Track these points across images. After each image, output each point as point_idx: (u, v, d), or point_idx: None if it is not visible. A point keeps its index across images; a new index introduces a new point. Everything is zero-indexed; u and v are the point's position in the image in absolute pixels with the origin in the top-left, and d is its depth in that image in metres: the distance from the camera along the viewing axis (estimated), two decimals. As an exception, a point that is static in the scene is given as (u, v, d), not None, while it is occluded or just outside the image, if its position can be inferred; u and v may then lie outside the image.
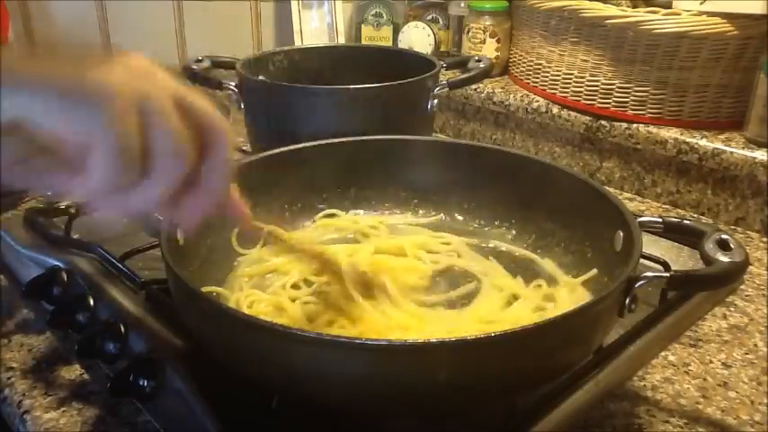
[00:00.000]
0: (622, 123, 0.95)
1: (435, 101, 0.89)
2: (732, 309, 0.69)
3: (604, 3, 0.95)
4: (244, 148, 1.00)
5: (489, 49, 1.16)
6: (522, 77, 1.11)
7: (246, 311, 0.57)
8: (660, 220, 0.57)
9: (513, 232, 0.71)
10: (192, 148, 0.38)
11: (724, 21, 0.86)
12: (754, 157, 0.84)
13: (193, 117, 0.38)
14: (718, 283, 0.52)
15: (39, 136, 0.35)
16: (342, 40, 1.31)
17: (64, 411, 0.54)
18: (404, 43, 1.26)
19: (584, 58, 0.97)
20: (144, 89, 0.36)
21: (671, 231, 0.57)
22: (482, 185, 0.72)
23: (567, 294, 0.60)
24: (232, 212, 0.47)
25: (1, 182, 0.37)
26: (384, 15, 1.30)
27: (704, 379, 0.59)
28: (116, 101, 0.35)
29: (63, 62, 0.36)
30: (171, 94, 0.38)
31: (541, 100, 1.05)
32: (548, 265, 0.66)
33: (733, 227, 0.88)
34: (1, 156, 0.36)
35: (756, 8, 0.84)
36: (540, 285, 0.62)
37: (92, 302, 0.61)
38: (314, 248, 0.61)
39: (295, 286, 0.62)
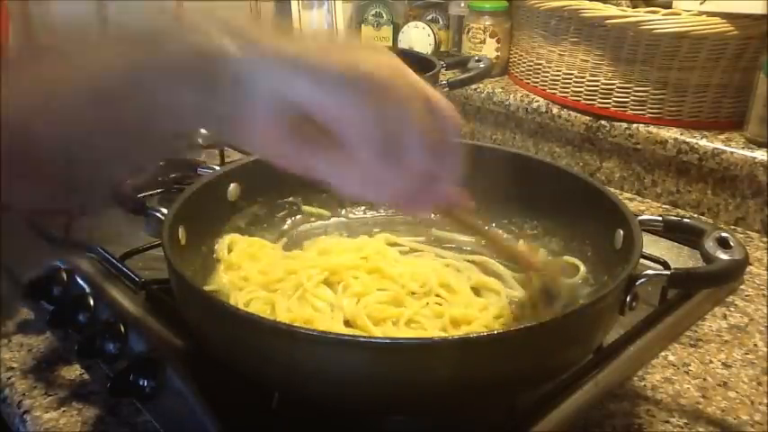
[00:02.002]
0: (622, 123, 0.95)
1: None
2: (732, 309, 0.69)
3: (604, 3, 0.95)
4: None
5: (489, 49, 1.16)
6: (522, 77, 1.11)
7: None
8: (660, 218, 0.57)
9: (513, 231, 0.71)
10: (435, 144, 0.40)
11: (724, 21, 0.86)
12: (754, 157, 0.84)
13: (438, 116, 0.40)
14: (719, 280, 0.53)
15: (318, 118, 0.37)
16: (342, 40, 1.31)
17: (64, 411, 0.54)
18: (404, 43, 1.26)
19: (584, 58, 0.97)
20: (400, 85, 0.38)
21: (671, 230, 0.57)
22: (482, 185, 0.71)
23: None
24: (457, 202, 0.49)
25: (272, 160, 0.40)
26: (384, 15, 1.30)
27: (704, 379, 0.59)
28: (383, 91, 0.37)
29: (333, 51, 0.38)
30: (418, 89, 0.40)
31: (541, 100, 1.05)
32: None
33: (733, 227, 0.88)
34: (279, 135, 0.38)
35: (756, 8, 0.84)
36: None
37: (92, 302, 0.61)
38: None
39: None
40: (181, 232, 0.56)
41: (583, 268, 0.63)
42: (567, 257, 0.65)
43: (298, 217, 0.73)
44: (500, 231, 0.69)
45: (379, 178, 0.39)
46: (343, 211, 0.75)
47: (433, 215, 0.73)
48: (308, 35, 0.40)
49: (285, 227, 0.72)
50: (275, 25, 0.39)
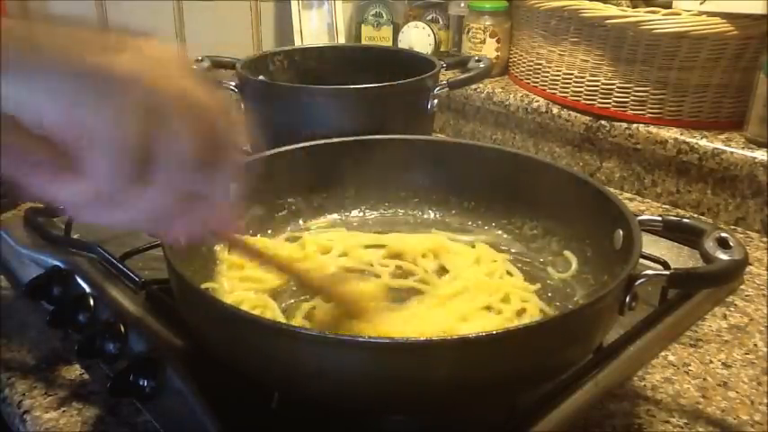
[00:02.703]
0: (622, 123, 0.95)
1: (435, 101, 0.88)
2: (732, 309, 0.69)
3: (604, 3, 0.95)
4: (243, 147, 1.00)
5: (489, 49, 1.16)
6: (522, 77, 1.11)
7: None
8: (660, 218, 0.57)
9: (513, 231, 0.71)
10: (199, 159, 0.33)
11: (724, 21, 0.86)
12: (754, 157, 0.84)
13: (204, 120, 0.33)
14: (719, 280, 0.53)
15: (32, 123, 0.30)
16: (342, 40, 1.31)
17: (64, 411, 0.54)
18: (404, 43, 1.26)
19: (584, 58, 0.97)
20: (157, 84, 0.31)
21: (670, 230, 0.57)
22: (482, 185, 0.73)
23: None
24: (223, 229, 0.43)
25: None
26: (384, 15, 1.30)
27: (704, 379, 0.59)
28: (124, 92, 0.30)
29: (70, 43, 0.31)
30: (183, 90, 0.33)
31: (541, 100, 1.05)
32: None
33: (733, 227, 0.88)
34: None
35: (756, 8, 0.84)
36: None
37: (92, 302, 0.61)
38: (288, 265, 0.56)
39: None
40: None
41: (575, 265, 0.64)
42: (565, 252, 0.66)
43: (297, 217, 0.73)
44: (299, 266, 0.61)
45: (120, 200, 0.32)
46: (343, 212, 0.75)
47: (431, 211, 0.73)
48: (73, 28, 0.32)
49: (284, 227, 0.72)
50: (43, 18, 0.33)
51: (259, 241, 0.67)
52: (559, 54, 1.00)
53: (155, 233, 0.37)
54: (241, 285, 0.61)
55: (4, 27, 0.30)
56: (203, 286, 0.58)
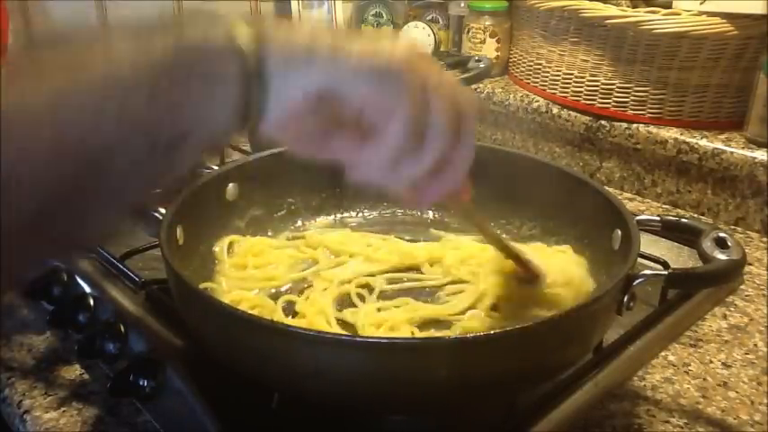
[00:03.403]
0: (622, 123, 0.95)
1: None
2: (732, 309, 0.69)
3: (604, 3, 0.95)
4: (243, 147, 1.00)
5: (489, 49, 1.16)
6: (522, 77, 1.11)
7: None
8: (658, 218, 0.57)
9: (512, 231, 0.71)
10: (454, 128, 0.40)
11: (724, 21, 0.86)
12: (754, 157, 0.84)
13: (455, 99, 0.40)
14: (717, 280, 0.53)
15: (345, 105, 0.38)
16: (342, 41, 1.31)
17: (64, 411, 0.54)
18: (404, 43, 1.26)
19: (585, 58, 0.97)
20: (424, 68, 0.39)
21: (669, 230, 0.58)
22: (481, 185, 0.71)
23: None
24: (459, 193, 0.49)
25: (295, 151, 0.41)
26: (384, 15, 1.30)
27: (704, 379, 0.59)
28: (412, 76, 0.38)
29: (364, 41, 0.38)
30: (437, 71, 0.40)
31: (541, 100, 1.05)
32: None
33: (733, 227, 0.88)
34: (303, 126, 0.38)
35: (756, 8, 0.84)
36: None
37: (92, 302, 0.61)
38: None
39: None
40: (179, 232, 0.56)
41: (571, 253, 0.64)
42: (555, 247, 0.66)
43: (296, 217, 0.73)
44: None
45: (400, 163, 0.39)
46: (342, 212, 0.75)
47: (431, 210, 0.73)
48: (314, 28, 0.39)
49: (284, 227, 0.72)
50: (276, 19, 0.39)
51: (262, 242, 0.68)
52: (559, 54, 1.00)
53: (408, 198, 0.44)
54: (240, 285, 0.61)
55: (308, 34, 0.38)
56: (202, 286, 0.58)
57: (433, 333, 0.55)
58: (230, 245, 0.65)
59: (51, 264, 0.67)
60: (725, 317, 0.68)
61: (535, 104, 1.05)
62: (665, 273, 0.50)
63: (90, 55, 0.34)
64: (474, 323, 0.56)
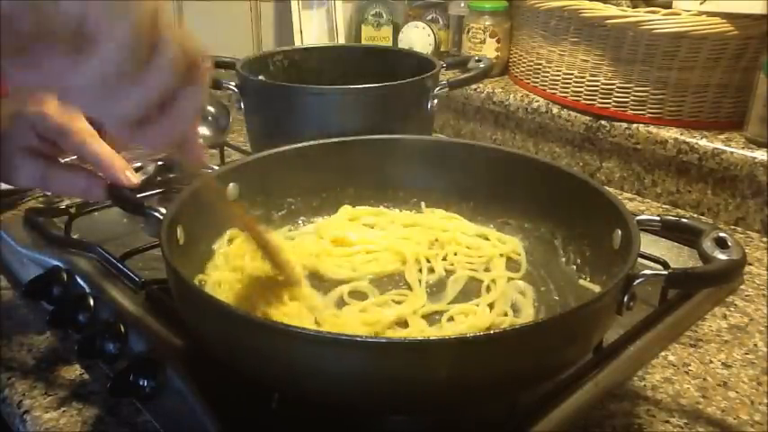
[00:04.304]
0: (622, 123, 0.95)
1: (435, 101, 0.88)
2: (732, 309, 0.69)
3: (604, 3, 0.95)
4: (243, 147, 1.00)
5: (489, 49, 1.16)
6: (522, 77, 1.11)
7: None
8: (658, 218, 0.57)
9: (513, 231, 0.71)
10: (182, 71, 0.39)
11: (724, 21, 0.86)
12: (754, 157, 0.84)
13: (185, 44, 0.39)
14: (716, 280, 0.53)
15: (61, 9, 0.34)
16: (342, 40, 1.31)
17: (64, 411, 0.54)
18: (404, 43, 1.26)
19: (585, 58, 0.97)
20: (163, 8, 0.37)
21: (669, 230, 0.57)
22: (481, 185, 0.73)
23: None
24: (189, 152, 0.47)
25: None
26: (384, 15, 1.31)
27: (704, 379, 0.59)
28: (147, 6, 0.36)
29: None
30: (171, 21, 0.39)
31: (541, 100, 1.05)
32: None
33: (733, 227, 0.88)
34: (7, 31, 0.34)
35: (756, 8, 0.84)
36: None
37: (92, 302, 0.61)
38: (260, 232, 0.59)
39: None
40: (179, 232, 0.56)
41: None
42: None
43: (297, 216, 0.73)
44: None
45: (115, 89, 0.37)
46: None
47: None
48: None
49: (284, 226, 0.72)
50: None
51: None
52: (559, 54, 1.00)
53: (131, 139, 0.41)
54: (229, 275, 0.61)
55: None
56: (196, 280, 0.58)
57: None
58: (231, 238, 0.65)
59: (51, 264, 0.67)
60: (725, 317, 0.68)
61: (535, 104, 1.05)
62: (665, 273, 0.50)
63: None
64: None
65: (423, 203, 0.75)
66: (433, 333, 0.57)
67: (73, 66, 0.36)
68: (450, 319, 0.59)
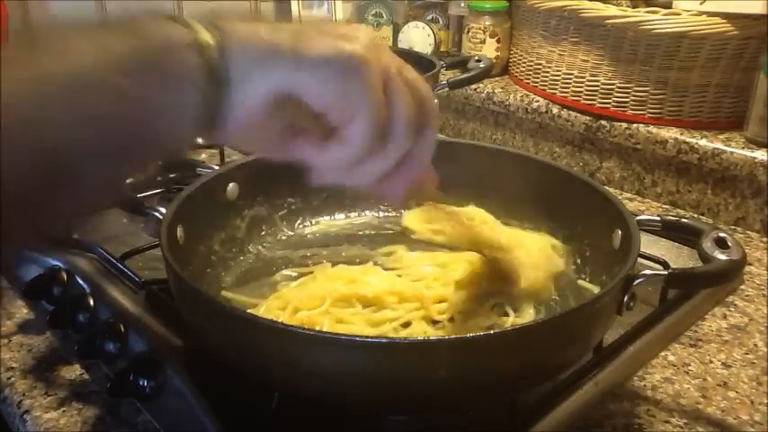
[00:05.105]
0: (622, 123, 0.95)
1: (435, 101, 0.88)
2: (732, 309, 0.69)
3: (604, 3, 0.95)
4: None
5: (489, 49, 1.16)
6: (522, 77, 1.11)
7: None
8: (658, 218, 0.57)
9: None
10: (417, 122, 0.39)
11: (724, 21, 0.86)
12: (754, 157, 0.84)
13: (414, 91, 0.40)
14: (716, 280, 0.53)
15: (304, 107, 0.36)
16: (342, 41, 1.31)
17: (64, 411, 0.54)
18: (404, 43, 1.26)
19: (585, 58, 0.97)
20: (384, 62, 0.38)
21: (669, 230, 0.58)
22: (481, 185, 0.72)
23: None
24: (427, 183, 0.48)
25: (258, 153, 0.41)
26: (384, 15, 1.30)
27: (704, 379, 0.59)
28: (373, 73, 0.37)
29: (322, 36, 0.37)
30: (398, 67, 0.39)
31: (541, 100, 1.05)
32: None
33: (733, 227, 0.88)
34: (263, 128, 0.37)
35: (756, 8, 0.84)
36: None
37: (92, 302, 0.61)
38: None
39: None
40: (179, 232, 0.56)
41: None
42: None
43: (297, 216, 0.73)
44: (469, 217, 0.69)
45: (363, 161, 0.38)
46: (343, 212, 0.75)
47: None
48: (276, 24, 0.38)
49: (284, 226, 0.72)
50: (239, 13, 0.38)
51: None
52: (559, 54, 1.00)
53: (375, 193, 0.43)
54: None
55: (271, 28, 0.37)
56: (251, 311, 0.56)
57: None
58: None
59: (51, 264, 0.67)
60: (725, 317, 0.68)
61: (535, 104, 1.05)
62: (665, 273, 0.50)
63: (52, 53, 0.33)
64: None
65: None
66: (433, 333, 0.56)
67: (321, 152, 0.39)
68: (451, 319, 0.59)
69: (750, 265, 0.77)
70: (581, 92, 0.99)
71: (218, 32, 0.35)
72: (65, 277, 0.65)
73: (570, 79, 1.00)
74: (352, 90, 0.36)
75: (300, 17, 1.28)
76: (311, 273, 0.64)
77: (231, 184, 0.66)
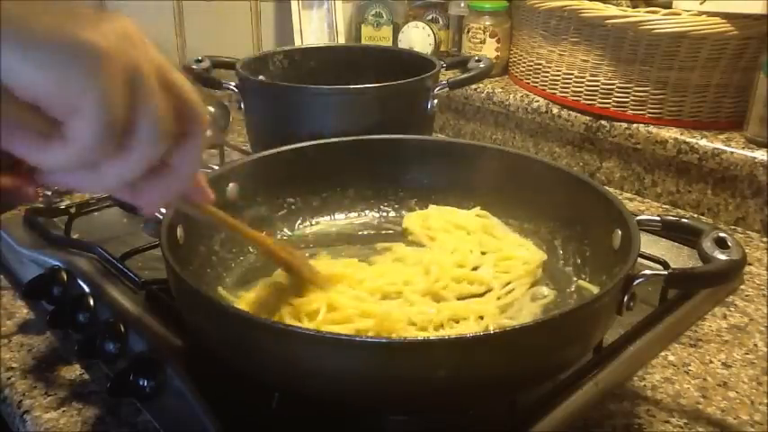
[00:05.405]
0: (622, 123, 0.95)
1: (435, 101, 0.88)
2: (732, 309, 0.69)
3: (604, 3, 0.95)
4: (243, 147, 1.00)
5: (489, 49, 1.16)
6: (522, 77, 1.11)
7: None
8: (658, 218, 0.57)
9: (512, 231, 0.71)
10: (171, 130, 0.36)
11: (724, 21, 0.86)
12: (754, 157, 0.84)
13: (175, 96, 0.36)
14: (716, 280, 0.53)
15: (22, 92, 0.31)
16: (342, 40, 1.31)
17: (64, 411, 0.54)
18: (404, 43, 1.26)
19: (584, 58, 0.97)
20: (134, 58, 0.33)
21: (669, 230, 0.58)
22: (481, 185, 0.73)
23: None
24: (195, 198, 0.45)
25: None
26: (384, 15, 1.30)
27: (704, 379, 0.59)
28: (109, 66, 0.32)
29: (52, 15, 0.32)
30: (157, 67, 0.35)
31: (541, 100, 1.05)
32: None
33: (733, 227, 0.88)
34: None
35: (756, 8, 0.84)
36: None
37: (92, 302, 0.61)
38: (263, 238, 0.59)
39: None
40: (179, 232, 0.56)
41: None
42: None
43: (297, 216, 0.73)
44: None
45: (97, 165, 0.34)
46: (343, 212, 0.75)
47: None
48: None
49: (283, 226, 0.72)
50: None
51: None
52: (559, 54, 1.00)
53: (127, 200, 0.39)
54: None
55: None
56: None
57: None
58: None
59: (51, 264, 0.67)
60: (725, 317, 0.68)
61: (535, 104, 1.05)
62: (665, 273, 0.50)
63: None
64: None
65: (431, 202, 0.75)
66: (434, 333, 0.56)
67: (46, 150, 0.33)
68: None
69: (750, 265, 0.77)
70: (581, 92, 0.99)
71: None
72: (65, 277, 0.65)
73: (570, 79, 1.00)
74: (75, 82, 0.31)
75: (300, 17, 1.28)
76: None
77: (231, 185, 0.67)
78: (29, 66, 0.31)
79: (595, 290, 0.59)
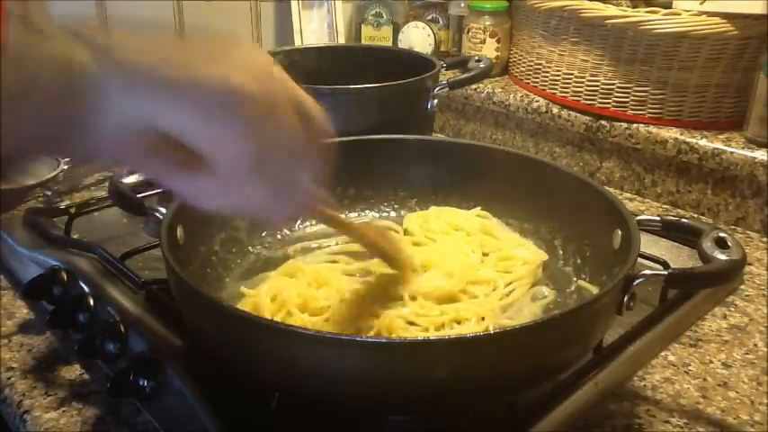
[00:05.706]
0: (622, 123, 0.95)
1: (435, 101, 0.88)
2: (732, 309, 0.69)
3: (604, 3, 0.95)
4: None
5: (489, 49, 1.16)
6: (522, 77, 1.11)
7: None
8: (658, 218, 0.57)
9: (512, 231, 0.71)
10: (302, 154, 0.39)
11: (724, 21, 0.86)
12: (754, 157, 0.84)
13: (304, 116, 0.39)
14: (716, 280, 0.53)
15: (172, 134, 0.35)
16: (342, 40, 1.31)
17: (64, 411, 0.54)
18: (404, 43, 1.26)
19: (584, 58, 0.97)
20: (273, 94, 0.37)
21: (669, 230, 0.58)
22: (481, 185, 0.73)
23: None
24: (318, 209, 0.48)
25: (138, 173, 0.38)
26: (384, 15, 1.30)
27: (704, 379, 0.59)
28: (251, 107, 0.35)
29: (184, 57, 0.35)
30: (290, 95, 0.39)
31: (541, 100, 1.05)
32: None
33: (733, 227, 0.88)
34: (133, 152, 0.36)
35: (756, 8, 0.84)
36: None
37: (92, 302, 0.61)
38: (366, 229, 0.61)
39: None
40: (179, 232, 0.56)
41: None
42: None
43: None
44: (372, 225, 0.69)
45: (241, 193, 0.38)
46: (343, 212, 0.75)
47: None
48: (162, 36, 0.37)
49: (285, 227, 0.72)
50: (129, 27, 0.36)
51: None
52: (559, 54, 1.00)
53: (259, 216, 0.44)
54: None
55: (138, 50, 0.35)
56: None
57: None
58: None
59: (51, 264, 0.67)
60: (725, 317, 0.68)
61: (535, 104, 1.05)
62: (665, 273, 0.50)
63: None
64: None
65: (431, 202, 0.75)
66: (434, 333, 0.56)
67: (190, 180, 0.37)
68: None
69: (750, 265, 0.77)
70: (581, 92, 0.99)
71: (95, 51, 0.34)
72: (65, 277, 0.65)
73: (570, 79, 1.00)
74: (223, 127, 0.35)
75: (300, 17, 1.28)
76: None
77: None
78: (172, 112, 0.34)
79: (595, 290, 0.59)
